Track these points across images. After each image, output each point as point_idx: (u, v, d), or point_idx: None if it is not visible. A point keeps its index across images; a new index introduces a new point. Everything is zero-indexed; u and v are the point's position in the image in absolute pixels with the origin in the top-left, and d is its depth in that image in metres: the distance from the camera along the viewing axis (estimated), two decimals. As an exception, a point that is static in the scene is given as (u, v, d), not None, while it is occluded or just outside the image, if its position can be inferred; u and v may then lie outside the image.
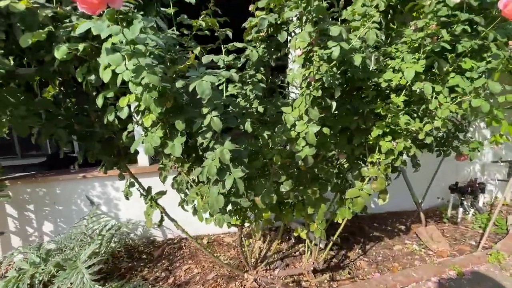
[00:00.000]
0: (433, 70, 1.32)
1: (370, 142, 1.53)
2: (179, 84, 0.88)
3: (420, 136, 1.41)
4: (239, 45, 1.26)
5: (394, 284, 2.11)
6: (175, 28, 1.30)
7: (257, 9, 1.33)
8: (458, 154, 2.04)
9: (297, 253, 2.62)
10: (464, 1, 1.18)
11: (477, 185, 3.20)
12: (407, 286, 2.11)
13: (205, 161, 1.15)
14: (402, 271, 2.27)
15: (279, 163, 1.35)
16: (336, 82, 1.06)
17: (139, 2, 1.18)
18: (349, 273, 2.27)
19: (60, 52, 0.96)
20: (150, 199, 1.81)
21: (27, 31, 0.98)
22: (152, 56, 0.87)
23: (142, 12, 1.11)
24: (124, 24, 0.81)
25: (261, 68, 1.44)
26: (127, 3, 0.97)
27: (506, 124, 2.24)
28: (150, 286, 2.20)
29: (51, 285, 1.86)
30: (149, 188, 1.83)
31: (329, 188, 1.76)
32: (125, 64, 0.79)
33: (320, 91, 1.12)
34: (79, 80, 1.12)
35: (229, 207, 1.37)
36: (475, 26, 1.26)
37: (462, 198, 3.15)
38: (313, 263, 1.99)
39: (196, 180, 1.46)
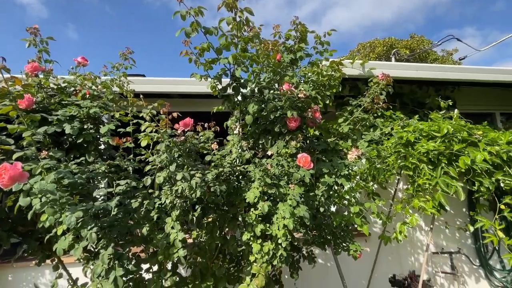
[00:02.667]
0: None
1: (251, 244, 1.93)
2: (67, 212, 1.39)
3: (280, 241, 1.82)
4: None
5: None
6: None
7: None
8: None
9: None
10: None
11: (410, 279, 3.32)
12: None
13: (97, 263, 1.56)
14: None
15: (168, 261, 1.74)
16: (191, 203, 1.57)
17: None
18: None
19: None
20: (75, 289, 2.09)
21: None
22: (60, 191, 1.41)
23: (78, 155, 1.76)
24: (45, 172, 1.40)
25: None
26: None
27: (400, 224, 2.65)
28: None
29: None
30: (76, 279, 2.14)
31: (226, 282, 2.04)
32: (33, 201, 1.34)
33: (178, 211, 1.63)
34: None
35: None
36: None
37: (401, 293, 3.22)
38: None
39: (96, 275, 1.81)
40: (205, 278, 1.95)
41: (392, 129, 2.79)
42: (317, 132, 2.26)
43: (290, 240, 1.84)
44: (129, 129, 1.97)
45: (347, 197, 2.36)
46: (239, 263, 2.22)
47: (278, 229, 1.72)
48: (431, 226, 2.85)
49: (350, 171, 1.91)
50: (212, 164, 1.79)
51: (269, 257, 1.88)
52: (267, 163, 1.74)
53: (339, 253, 2.26)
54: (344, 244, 2.37)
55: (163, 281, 1.70)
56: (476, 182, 2.38)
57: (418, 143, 2.70)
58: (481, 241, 3.83)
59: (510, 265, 2.11)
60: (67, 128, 1.88)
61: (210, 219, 1.89)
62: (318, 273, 3.47)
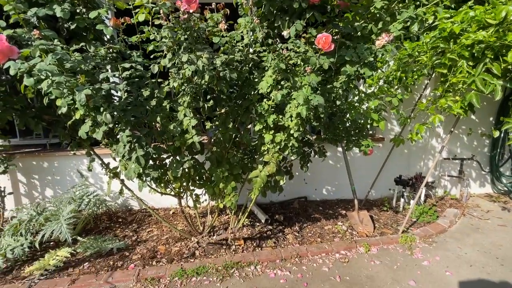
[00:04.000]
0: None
1: (263, 135, 1.96)
2: (78, 92, 1.38)
3: (292, 131, 1.83)
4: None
5: (306, 253, 2.56)
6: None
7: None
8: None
9: (241, 224, 3.12)
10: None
11: (415, 179, 3.49)
12: (317, 255, 2.55)
13: (118, 144, 1.68)
14: (318, 244, 2.71)
15: (184, 147, 1.85)
16: (201, 90, 1.51)
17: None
18: (274, 243, 2.75)
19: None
20: (108, 171, 2.39)
21: None
22: (65, 76, 1.38)
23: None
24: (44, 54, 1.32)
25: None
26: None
27: (418, 124, 2.56)
28: (117, 240, 2.83)
29: (40, 231, 2.54)
30: (108, 164, 2.41)
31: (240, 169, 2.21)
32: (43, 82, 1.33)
33: (188, 97, 1.57)
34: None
35: (146, 177, 1.89)
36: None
37: (403, 190, 3.46)
38: (232, 229, 2.49)
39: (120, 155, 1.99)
40: (221, 165, 2.10)
41: (435, 16, 2.32)
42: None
43: (302, 131, 1.84)
44: (134, 20, 1.74)
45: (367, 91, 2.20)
46: (253, 156, 2.35)
47: (291, 119, 1.69)
48: (452, 129, 2.74)
49: (374, 58, 1.69)
50: (221, 49, 1.63)
51: (281, 147, 1.94)
52: (282, 48, 1.55)
53: (351, 148, 2.30)
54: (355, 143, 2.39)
55: (183, 164, 1.86)
56: (520, 80, 2.09)
57: (463, 35, 2.28)
58: (498, 149, 3.77)
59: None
60: (58, 11, 1.69)
61: (223, 111, 1.88)
62: (328, 172, 3.72)
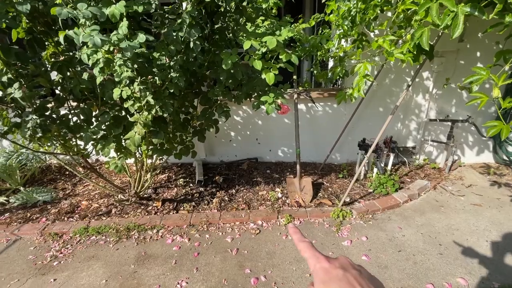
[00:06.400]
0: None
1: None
2: None
3: (135, 84, 1.43)
4: None
5: (217, 220, 2.36)
6: None
7: None
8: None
9: (173, 185, 2.98)
10: None
11: (383, 144, 2.90)
12: (228, 224, 2.34)
13: None
14: (236, 211, 2.47)
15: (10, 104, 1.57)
16: None
17: None
18: (193, 207, 2.57)
19: None
20: None
21: None
22: None
23: None
24: None
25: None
26: None
27: (357, 79, 1.96)
28: (53, 192, 2.89)
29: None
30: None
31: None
32: None
33: None
34: None
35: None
36: None
37: (366, 156, 2.92)
38: (129, 192, 2.34)
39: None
40: (89, 124, 1.83)
41: None
42: None
43: (159, 83, 1.43)
44: None
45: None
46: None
47: (116, 65, 1.28)
48: (410, 83, 2.06)
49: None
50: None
51: (141, 104, 1.58)
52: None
53: (256, 106, 1.83)
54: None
55: (27, 123, 1.61)
56: (498, 4, 1.33)
57: None
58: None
59: (487, 135, 1.47)
60: None
61: (61, 58, 1.51)
62: (284, 132, 3.26)
